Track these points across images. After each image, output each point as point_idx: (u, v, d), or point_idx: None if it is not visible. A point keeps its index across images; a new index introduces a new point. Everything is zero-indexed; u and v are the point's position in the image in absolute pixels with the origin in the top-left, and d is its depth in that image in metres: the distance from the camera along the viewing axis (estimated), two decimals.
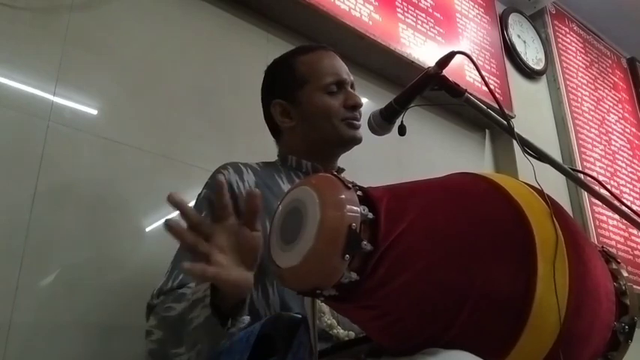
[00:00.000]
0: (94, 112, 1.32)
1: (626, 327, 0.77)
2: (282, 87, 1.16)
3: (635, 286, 2.61)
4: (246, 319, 0.78)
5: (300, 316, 0.78)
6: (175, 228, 0.71)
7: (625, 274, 0.82)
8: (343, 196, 0.63)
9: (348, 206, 0.62)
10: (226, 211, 0.75)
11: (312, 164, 1.14)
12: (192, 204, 1.34)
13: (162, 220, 1.32)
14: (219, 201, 0.75)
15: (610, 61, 3.49)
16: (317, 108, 1.12)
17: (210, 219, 0.92)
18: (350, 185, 0.65)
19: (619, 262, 0.84)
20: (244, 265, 0.74)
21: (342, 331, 0.92)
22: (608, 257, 0.84)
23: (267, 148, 1.21)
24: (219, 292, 0.72)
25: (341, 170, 1.20)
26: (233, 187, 1.01)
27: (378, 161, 1.87)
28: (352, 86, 1.17)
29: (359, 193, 0.65)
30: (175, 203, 0.72)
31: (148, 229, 1.31)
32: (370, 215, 0.63)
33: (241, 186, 1.02)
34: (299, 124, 1.14)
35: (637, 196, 3.09)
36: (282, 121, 1.15)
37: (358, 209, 0.62)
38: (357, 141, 1.14)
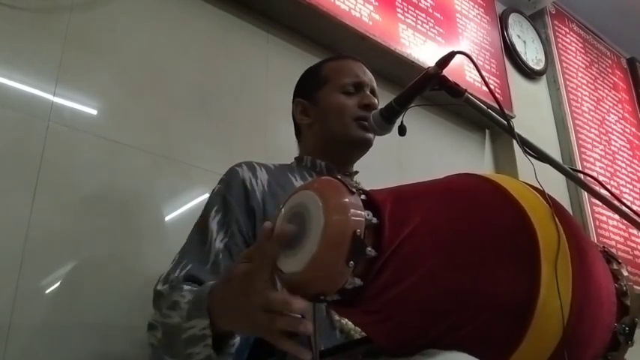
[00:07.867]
0: (94, 112, 1.32)
1: (627, 328, 0.76)
2: (305, 88, 1.22)
3: (635, 287, 2.63)
4: (237, 341, 0.80)
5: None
6: None
7: (626, 273, 0.81)
8: (347, 200, 0.62)
9: (352, 210, 0.61)
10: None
11: (326, 164, 1.15)
12: (193, 203, 1.36)
13: (162, 220, 1.33)
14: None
15: (610, 61, 3.49)
16: (331, 106, 1.15)
17: (222, 215, 0.99)
18: (354, 189, 0.64)
19: (620, 263, 0.83)
20: None
21: (351, 324, 0.92)
22: (609, 257, 0.83)
23: (267, 149, 1.21)
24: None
25: (354, 173, 1.20)
26: (246, 184, 1.02)
27: (378, 161, 1.85)
28: (373, 92, 1.19)
29: (363, 197, 0.65)
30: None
31: (147, 230, 1.30)
32: (374, 220, 0.63)
33: (254, 183, 1.03)
34: (315, 121, 1.18)
35: (637, 196, 3.09)
36: (301, 118, 1.20)
37: (362, 214, 0.61)
38: (366, 142, 1.15)
